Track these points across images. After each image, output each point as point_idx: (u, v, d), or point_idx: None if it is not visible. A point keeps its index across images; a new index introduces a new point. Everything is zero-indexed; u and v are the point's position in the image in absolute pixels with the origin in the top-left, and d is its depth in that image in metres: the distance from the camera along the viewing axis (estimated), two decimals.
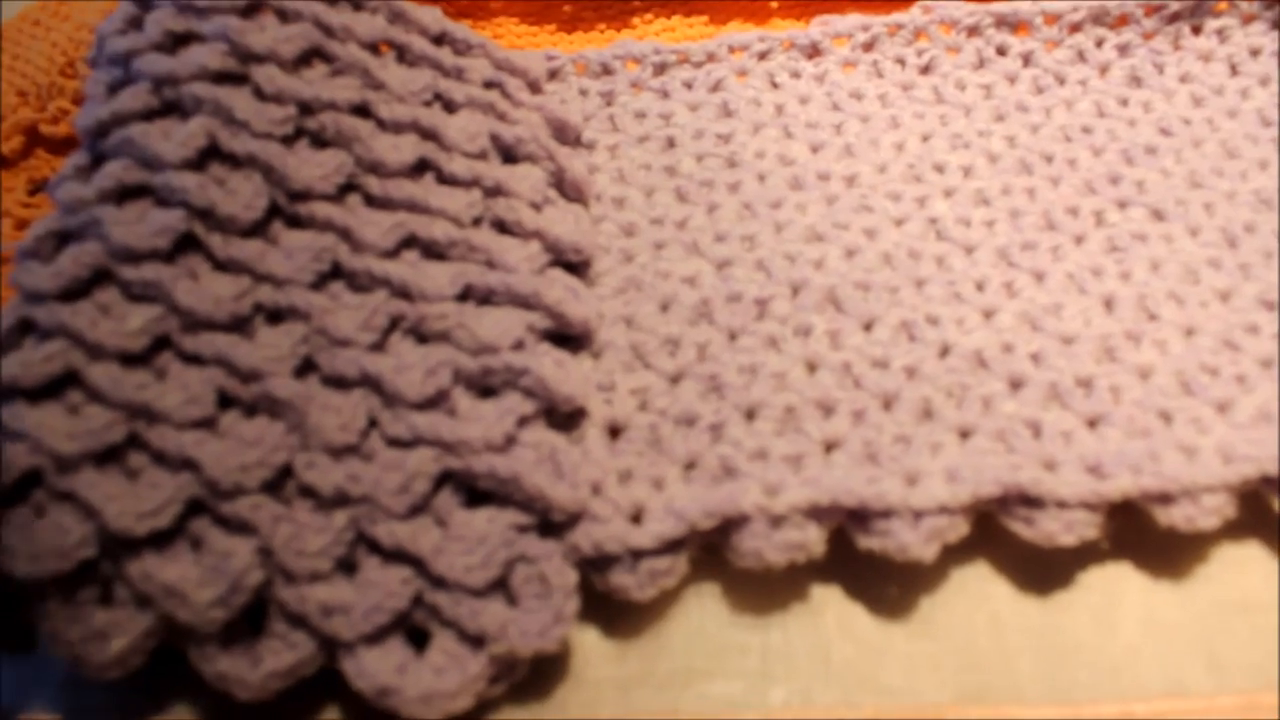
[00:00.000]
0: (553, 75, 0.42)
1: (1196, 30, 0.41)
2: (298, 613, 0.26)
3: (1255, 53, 0.40)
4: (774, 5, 0.47)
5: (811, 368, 0.32)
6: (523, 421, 0.29)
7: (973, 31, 0.41)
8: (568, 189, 0.36)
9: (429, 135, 0.35)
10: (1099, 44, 0.41)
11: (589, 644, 0.29)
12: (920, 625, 0.29)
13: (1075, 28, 0.41)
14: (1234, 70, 0.40)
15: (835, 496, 0.28)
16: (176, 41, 0.33)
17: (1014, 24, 0.41)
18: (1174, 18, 0.40)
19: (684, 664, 0.28)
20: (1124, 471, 0.29)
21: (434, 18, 0.38)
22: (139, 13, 0.34)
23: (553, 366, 0.30)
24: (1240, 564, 0.30)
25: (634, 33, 0.46)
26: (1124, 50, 0.40)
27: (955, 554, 0.29)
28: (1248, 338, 0.32)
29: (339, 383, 0.29)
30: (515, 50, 0.42)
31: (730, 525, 0.28)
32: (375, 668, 0.26)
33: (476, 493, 0.29)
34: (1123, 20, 0.41)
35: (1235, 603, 0.29)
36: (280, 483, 0.28)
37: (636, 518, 0.29)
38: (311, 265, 0.31)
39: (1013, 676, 0.28)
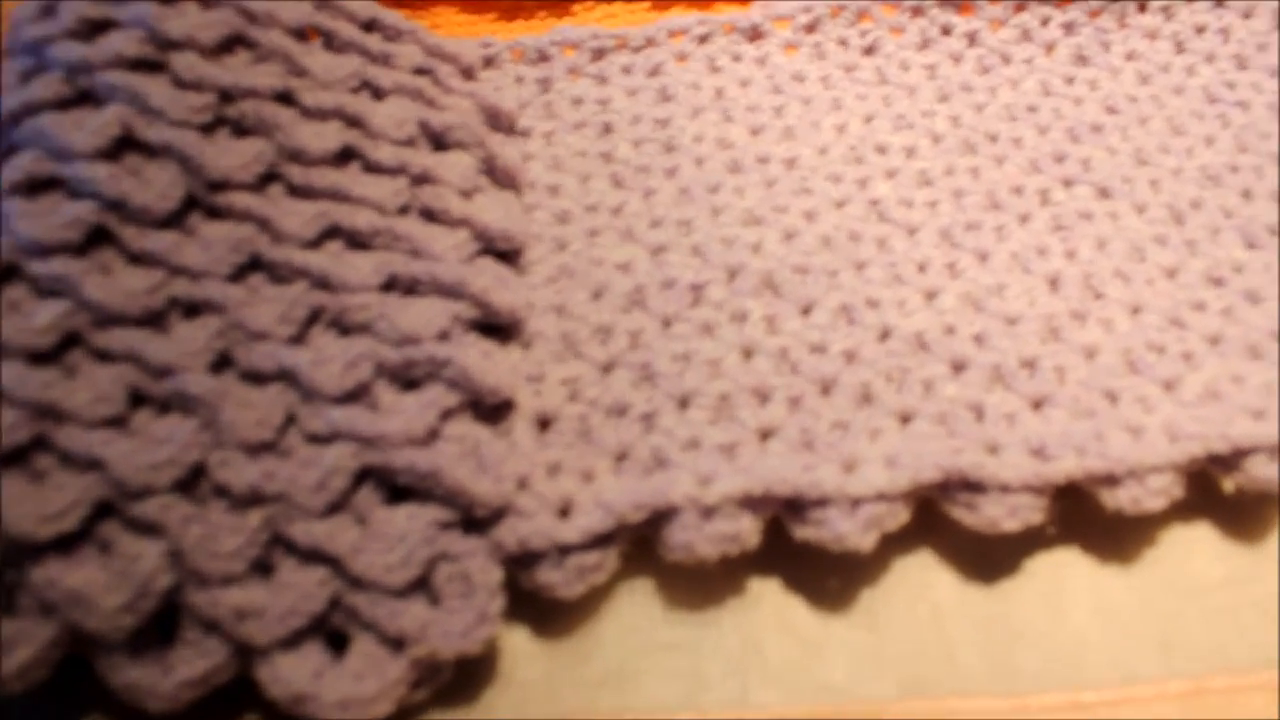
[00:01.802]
0: (488, 62, 0.41)
1: (1142, 7, 0.41)
2: (210, 618, 0.25)
3: (1200, 30, 0.40)
4: None
5: (747, 354, 0.31)
6: (446, 414, 0.28)
7: (917, 12, 0.41)
8: (499, 176, 0.35)
9: (354, 122, 0.34)
10: (1044, 22, 0.41)
11: (517, 644, 0.28)
12: (861, 618, 0.28)
13: (1020, 6, 0.41)
14: (1180, 47, 0.40)
15: (769, 485, 0.27)
16: (93, 28, 0.32)
17: (958, 3, 0.41)
18: None
19: (616, 664, 0.27)
20: (1068, 453, 0.28)
21: (364, 4, 0.38)
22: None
23: (478, 357, 0.29)
24: (1189, 545, 0.29)
25: (575, 20, 0.45)
26: (1070, 28, 0.40)
27: (896, 543, 0.28)
28: (1194, 314, 0.32)
29: (256, 377, 0.28)
30: (450, 38, 0.41)
31: (661, 518, 0.27)
32: (291, 674, 0.25)
33: (398, 489, 0.27)
34: None
35: (1186, 585, 0.28)
36: (193, 482, 0.27)
37: (564, 512, 0.28)
38: (229, 257, 0.30)
39: (957, 668, 0.27)
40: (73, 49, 0.31)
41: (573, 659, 0.27)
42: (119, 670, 0.25)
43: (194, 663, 0.25)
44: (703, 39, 0.41)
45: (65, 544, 0.25)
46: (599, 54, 0.41)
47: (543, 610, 0.28)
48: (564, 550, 0.27)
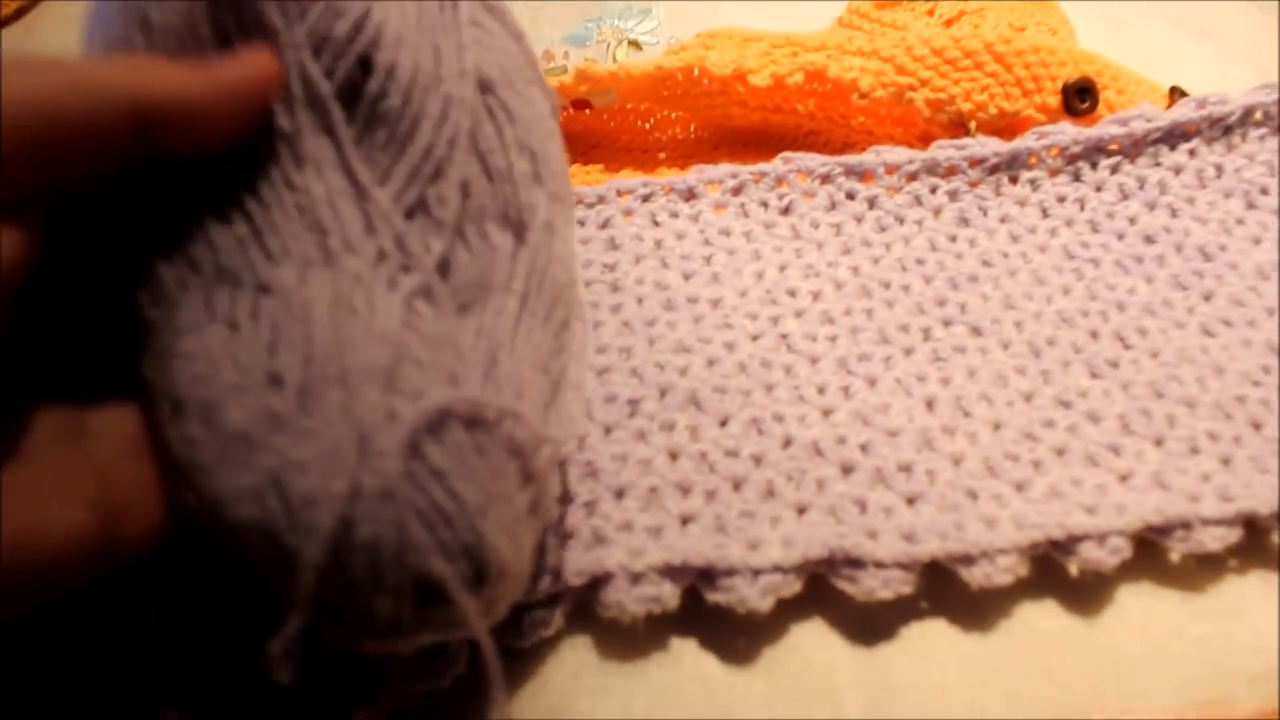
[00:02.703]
0: None
1: (1014, 180, 0.47)
2: None
3: (1061, 199, 0.47)
4: (661, 156, 0.54)
5: (673, 456, 0.37)
6: None
7: (825, 179, 0.47)
8: None
9: None
10: (933, 190, 0.47)
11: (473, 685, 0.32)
12: (763, 672, 0.34)
13: (913, 176, 0.47)
14: (1044, 213, 0.46)
15: (686, 557, 0.33)
16: None
17: (861, 173, 0.47)
18: (994, 169, 0.47)
19: (559, 701, 0.33)
20: (933, 537, 0.34)
21: None
22: None
23: None
24: (1035, 614, 0.35)
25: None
26: (953, 195, 0.47)
27: (793, 610, 0.34)
28: (1045, 430, 0.38)
29: None
30: None
31: (598, 582, 0.33)
32: None
33: None
34: (952, 171, 0.47)
35: (1031, 647, 0.34)
36: None
37: None
38: None
39: (843, 713, 0.33)
40: None
41: (525, 697, 0.33)
42: None
43: None
44: (646, 198, 0.47)
45: None
46: None
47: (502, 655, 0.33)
48: (522, 607, 0.32)
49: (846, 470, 0.37)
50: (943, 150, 0.47)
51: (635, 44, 0.66)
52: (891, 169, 0.47)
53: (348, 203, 0.28)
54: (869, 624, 0.35)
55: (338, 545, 0.25)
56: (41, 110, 0.24)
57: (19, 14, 0.71)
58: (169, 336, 0.28)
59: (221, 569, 0.28)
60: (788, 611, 0.34)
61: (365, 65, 0.29)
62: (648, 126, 0.56)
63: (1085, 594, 0.35)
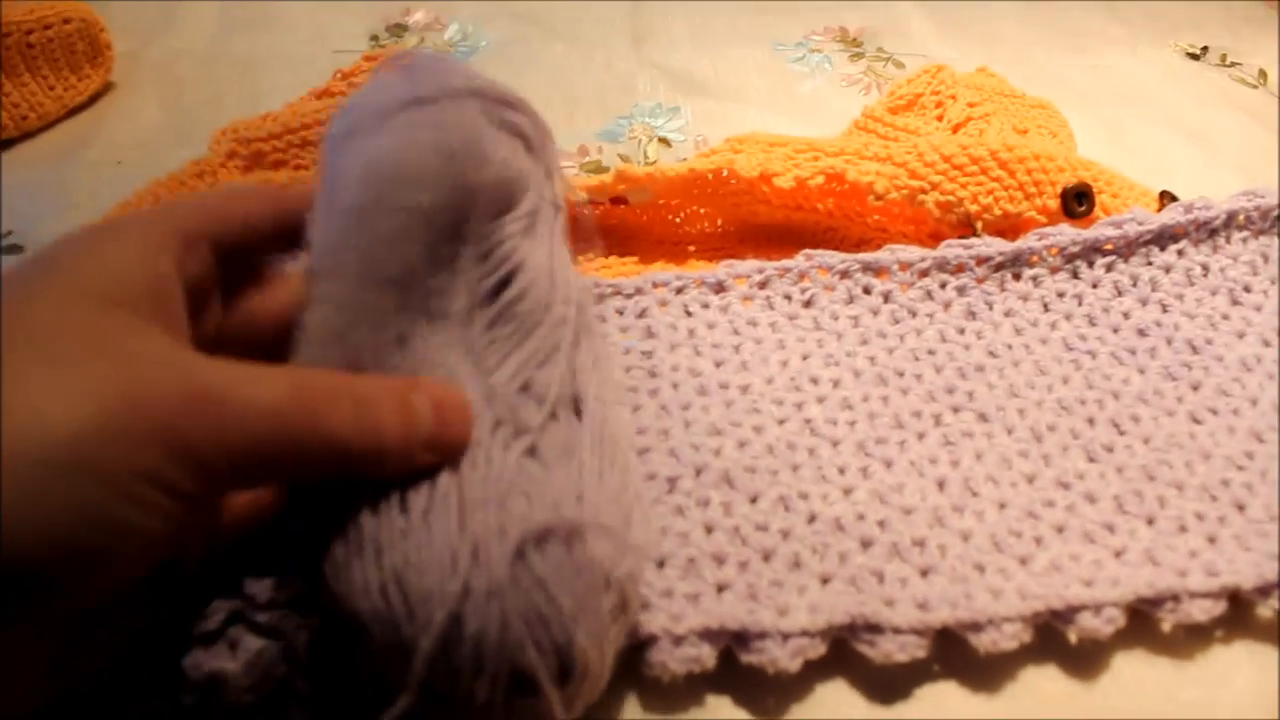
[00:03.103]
0: None
1: (1017, 277, 0.51)
2: None
3: (1061, 295, 0.51)
4: (691, 249, 0.58)
5: (709, 529, 0.41)
6: None
7: (844, 274, 0.51)
8: None
9: None
10: (943, 286, 0.51)
11: None
12: None
13: (924, 273, 0.51)
14: (1045, 308, 0.50)
15: (723, 621, 0.37)
16: None
17: (876, 269, 0.51)
18: (999, 266, 0.51)
19: None
20: (945, 606, 0.38)
21: None
22: None
23: None
24: (1039, 678, 0.38)
25: (578, 269, 0.56)
26: (961, 291, 0.51)
27: (818, 672, 0.38)
28: (1045, 509, 0.42)
29: None
30: None
31: (643, 644, 0.36)
32: None
33: None
34: (960, 268, 0.51)
35: (1035, 707, 0.38)
36: None
37: None
38: None
39: None
40: None
41: None
42: None
43: None
44: (679, 290, 0.50)
45: None
46: (599, 298, 0.50)
47: None
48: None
49: (865, 544, 0.40)
50: (952, 249, 0.51)
51: (665, 140, 0.70)
52: (905, 265, 0.51)
53: (475, 380, 0.35)
54: (887, 684, 0.38)
55: (448, 636, 0.30)
56: None
57: (92, 101, 0.76)
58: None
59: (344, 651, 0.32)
60: (813, 672, 0.38)
61: (506, 280, 0.36)
62: (678, 221, 0.60)
63: (1084, 659, 0.39)
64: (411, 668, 0.30)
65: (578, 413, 0.36)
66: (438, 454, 0.33)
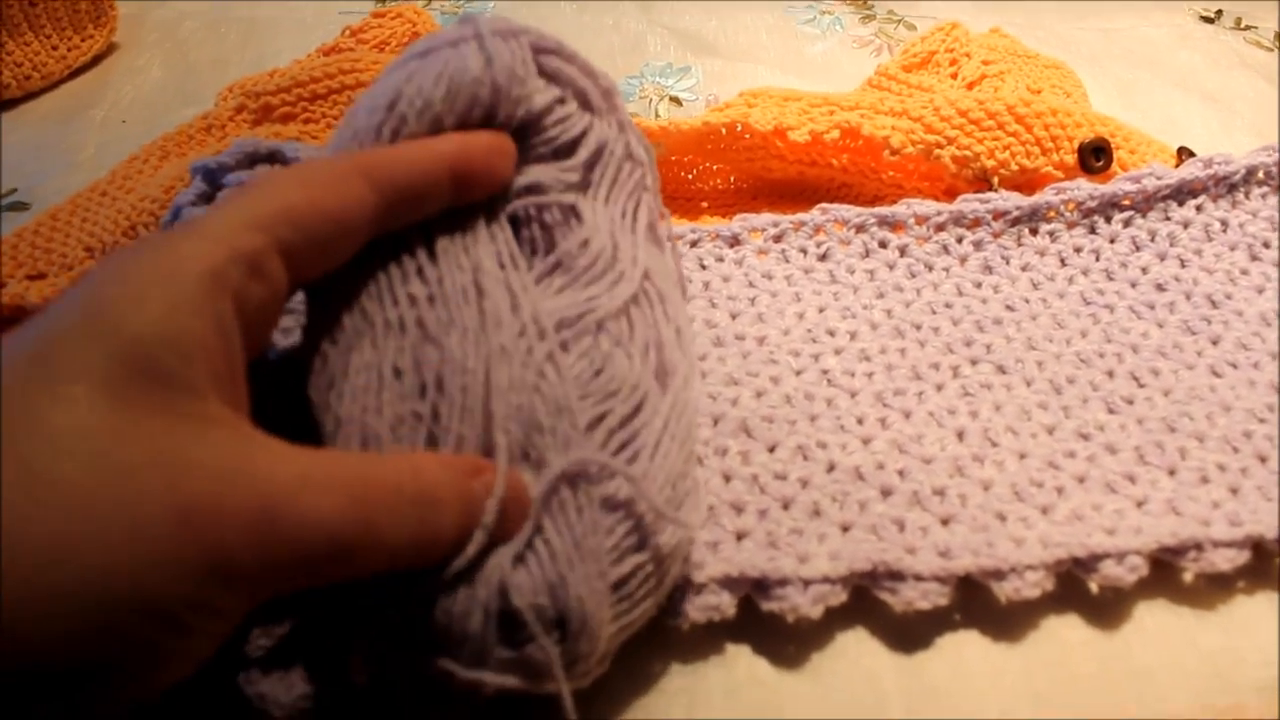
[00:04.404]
0: None
1: (1034, 232, 0.51)
2: None
3: (1078, 250, 0.50)
4: (704, 205, 0.58)
5: (727, 479, 0.40)
6: None
7: (860, 228, 0.51)
8: None
9: None
10: (959, 240, 0.51)
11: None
12: (811, 676, 0.37)
13: (940, 227, 0.51)
14: (1062, 262, 0.50)
15: (743, 569, 0.36)
16: None
17: (893, 223, 0.51)
18: (1016, 221, 0.51)
19: (632, 700, 0.36)
20: (966, 554, 0.37)
21: None
22: (209, 189, 0.43)
23: None
24: (1061, 627, 0.38)
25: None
26: (978, 245, 0.50)
27: (838, 620, 0.37)
28: (1066, 460, 0.41)
29: None
30: None
31: None
32: None
33: None
34: (976, 223, 0.51)
35: (1057, 656, 0.37)
36: None
37: None
38: None
39: (886, 714, 0.36)
40: None
41: (603, 696, 0.36)
42: None
43: None
44: (694, 243, 0.50)
45: None
46: None
47: None
48: None
49: (886, 493, 0.40)
50: (968, 203, 0.51)
51: (676, 100, 0.70)
52: (921, 220, 0.51)
53: (513, 287, 0.34)
54: (908, 633, 0.38)
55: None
56: (419, 174, 0.33)
57: (95, 61, 0.75)
58: (338, 366, 0.33)
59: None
60: (833, 621, 0.37)
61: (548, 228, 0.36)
62: (690, 177, 0.59)
63: (1106, 609, 0.38)
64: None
65: (663, 386, 0.35)
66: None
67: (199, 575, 0.25)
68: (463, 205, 0.35)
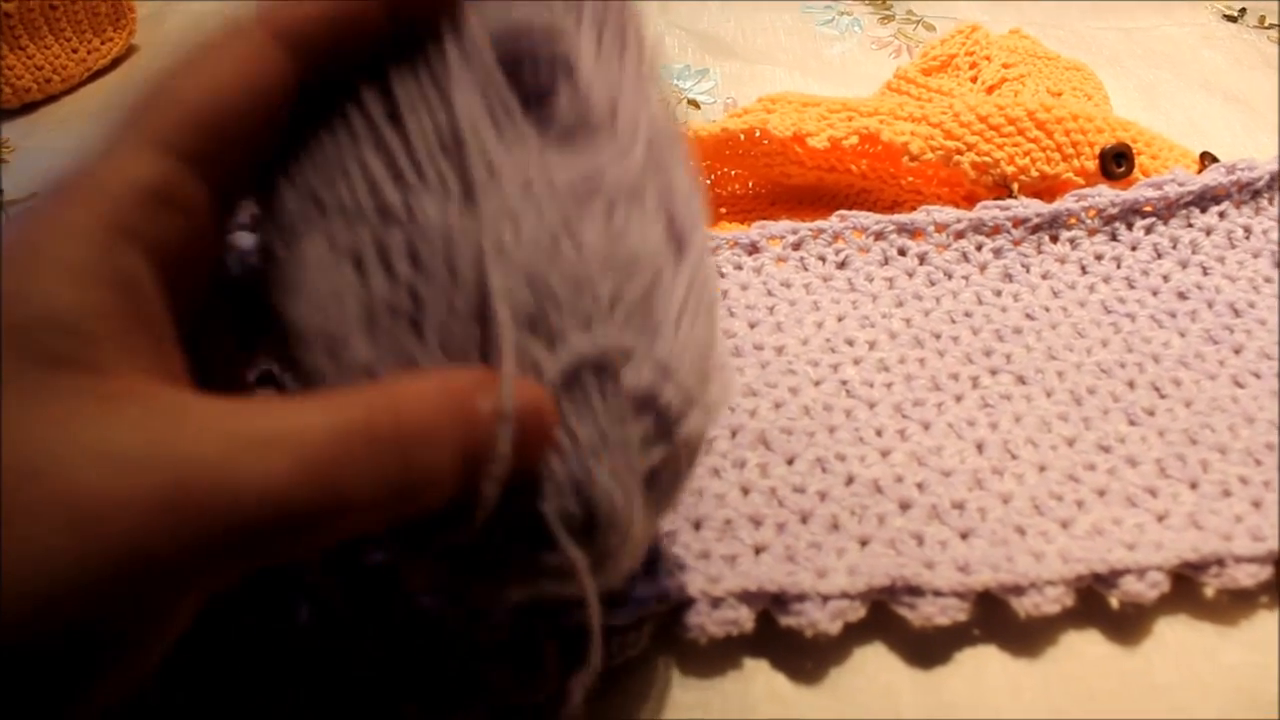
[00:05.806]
0: None
1: (1054, 239, 0.51)
2: None
3: (1099, 257, 0.50)
4: (722, 211, 0.58)
5: (745, 491, 0.40)
6: None
7: (879, 236, 0.51)
8: None
9: None
10: (979, 248, 0.50)
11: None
12: (829, 691, 0.37)
13: (960, 234, 0.50)
14: (1083, 270, 0.50)
15: (761, 584, 0.36)
16: None
17: (912, 230, 0.50)
18: (1036, 228, 0.51)
19: (645, 714, 0.36)
20: (986, 569, 0.37)
21: None
22: None
23: None
24: (1081, 643, 0.38)
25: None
26: (998, 253, 0.50)
27: (857, 635, 0.37)
28: (1086, 473, 0.41)
29: None
30: None
31: (681, 607, 0.36)
32: None
33: None
34: (996, 229, 0.51)
35: (1076, 672, 0.37)
36: None
37: (613, 603, 0.36)
38: None
39: None
40: None
41: (614, 709, 0.36)
42: None
43: None
44: (712, 251, 0.48)
45: None
46: None
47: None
48: (611, 630, 0.36)
49: (904, 506, 0.40)
50: (988, 210, 0.51)
51: (694, 103, 0.70)
52: (940, 227, 0.50)
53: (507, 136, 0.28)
54: (926, 648, 0.37)
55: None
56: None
57: (115, 64, 0.75)
58: (292, 269, 0.27)
59: None
60: (852, 636, 0.37)
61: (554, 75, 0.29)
62: (709, 182, 0.59)
63: (1126, 624, 0.38)
64: None
65: (680, 250, 0.30)
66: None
67: (102, 582, 0.21)
68: (417, 32, 0.28)
